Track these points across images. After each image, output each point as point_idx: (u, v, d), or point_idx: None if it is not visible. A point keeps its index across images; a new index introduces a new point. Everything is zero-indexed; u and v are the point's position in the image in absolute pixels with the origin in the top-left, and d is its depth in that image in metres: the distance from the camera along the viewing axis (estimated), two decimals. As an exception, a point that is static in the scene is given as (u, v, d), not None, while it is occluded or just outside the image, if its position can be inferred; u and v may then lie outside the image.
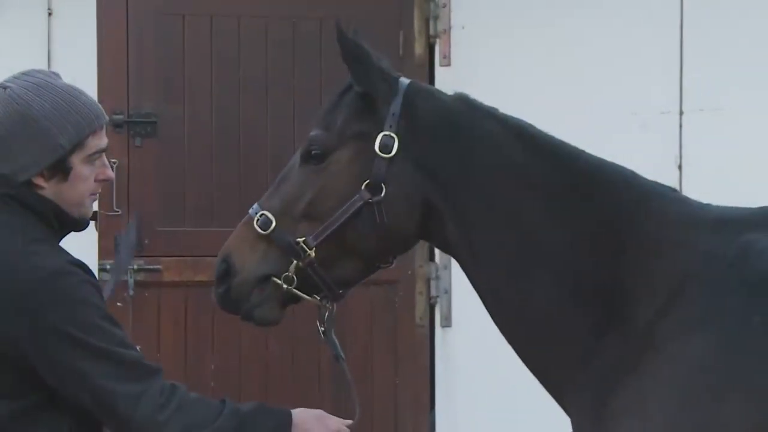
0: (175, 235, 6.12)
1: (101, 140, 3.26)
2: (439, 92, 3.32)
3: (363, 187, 3.14)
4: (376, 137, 3.14)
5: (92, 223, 5.89)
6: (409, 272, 6.20)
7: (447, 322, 6.24)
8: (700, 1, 6.00)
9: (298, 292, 3.21)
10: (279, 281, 3.20)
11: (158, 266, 6.09)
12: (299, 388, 5.83)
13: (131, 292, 6.04)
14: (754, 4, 5.90)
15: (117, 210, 6.02)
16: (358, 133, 3.19)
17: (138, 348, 5.68)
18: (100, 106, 3.32)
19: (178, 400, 3.18)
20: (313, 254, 3.15)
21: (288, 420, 3.30)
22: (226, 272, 3.29)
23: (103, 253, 6.05)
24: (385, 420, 6.29)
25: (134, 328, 5.97)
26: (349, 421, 3.40)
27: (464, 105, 3.23)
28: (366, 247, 3.19)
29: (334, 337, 3.33)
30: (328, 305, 3.28)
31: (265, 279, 3.23)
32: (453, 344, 6.20)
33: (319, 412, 3.41)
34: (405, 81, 3.24)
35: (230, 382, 6.05)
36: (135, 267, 6.04)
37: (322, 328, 3.31)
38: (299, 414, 3.34)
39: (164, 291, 6.13)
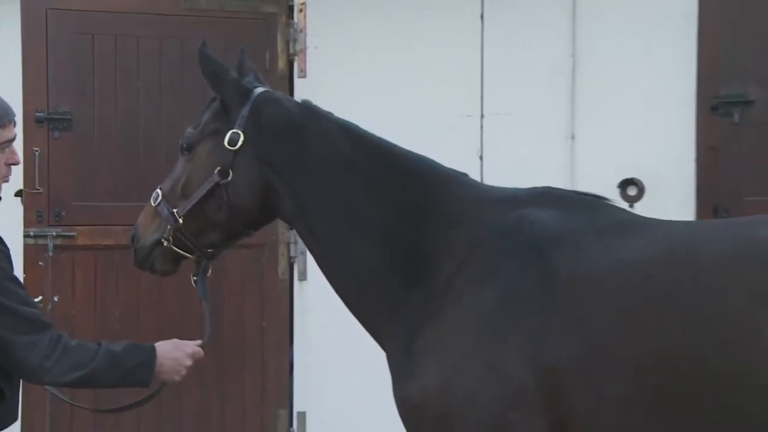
0: (86, 209, 6.09)
1: (10, 133, 3.37)
2: (287, 100, 3.37)
3: (215, 172, 3.20)
4: (226, 134, 3.21)
5: (19, 199, 5.88)
6: (274, 238, 6.26)
7: (303, 277, 6.29)
8: (496, 26, 6.08)
9: (177, 249, 3.32)
10: (164, 242, 3.31)
11: (73, 233, 6.04)
12: (186, 329, 5.85)
13: (50, 254, 6.00)
14: (537, 29, 6.01)
15: (39, 188, 6.03)
16: (214, 130, 3.26)
17: (54, 297, 5.69)
18: (9, 105, 3.41)
19: (61, 348, 3.22)
20: (181, 221, 3.26)
21: (152, 352, 3.35)
22: (133, 237, 3.43)
23: (27, 223, 6.05)
24: (253, 354, 6.35)
25: (53, 283, 6.08)
26: (200, 341, 3.47)
27: (304, 109, 3.29)
28: (219, 218, 3.25)
29: (202, 284, 3.39)
30: (201, 261, 3.37)
31: (159, 242, 3.34)
32: (307, 294, 6.26)
33: (175, 340, 3.46)
34: (259, 90, 3.29)
35: (131, 326, 6.06)
36: (54, 234, 5.98)
37: (194, 278, 3.39)
38: (161, 346, 3.39)
39: (78, 253, 6.08)
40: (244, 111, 3.22)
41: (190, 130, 3.34)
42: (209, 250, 3.35)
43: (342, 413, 6.23)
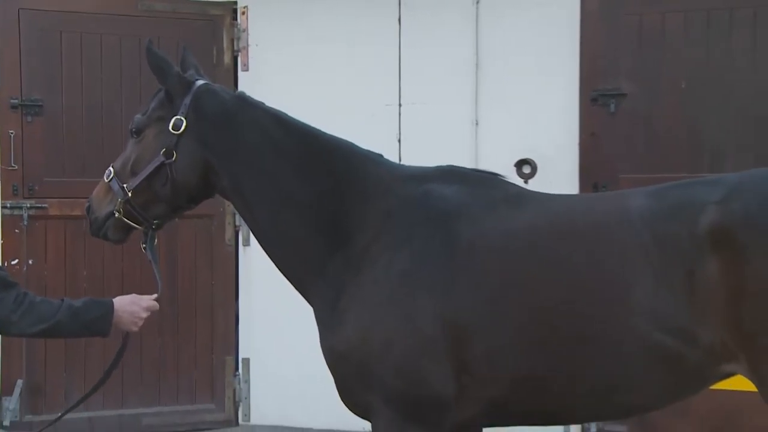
0: (56, 184, 6.05)
1: None
2: (224, 91, 3.31)
3: (161, 153, 3.17)
4: (170, 120, 3.17)
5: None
6: (221, 209, 6.24)
7: (247, 243, 6.28)
8: (412, 28, 6.09)
9: (127, 221, 3.28)
10: (116, 214, 3.27)
11: (45, 205, 6.03)
12: (145, 286, 5.85)
13: (25, 223, 5.96)
14: (447, 31, 6.05)
15: (14, 166, 5.98)
16: (160, 117, 3.22)
17: (29, 261, 5.63)
18: None
19: (27, 304, 3.18)
20: (130, 195, 3.21)
21: (110, 306, 3.31)
22: (88, 209, 3.38)
23: (4, 196, 5.99)
24: (204, 309, 6.38)
25: (28, 248, 6.04)
26: (155, 295, 3.43)
27: (239, 100, 3.27)
28: (164, 193, 3.21)
29: (151, 251, 3.34)
30: (149, 231, 3.33)
31: (111, 214, 3.29)
32: (250, 257, 6.24)
33: (133, 295, 3.43)
34: (199, 82, 3.25)
35: (97, 284, 6.04)
36: (28, 205, 5.96)
37: (143, 245, 3.35)
38: (119, 300, 3.36)
39: (50, 222, 6.06)
40: (186, 100, 3.18)
41: (138, 116, 3.29)
42: (155, 221, 3.31)
43: (280, 359, 6.25)
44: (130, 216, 3.27)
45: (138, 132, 3.27)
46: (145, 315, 3.40)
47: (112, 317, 3.31)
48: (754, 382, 2.66)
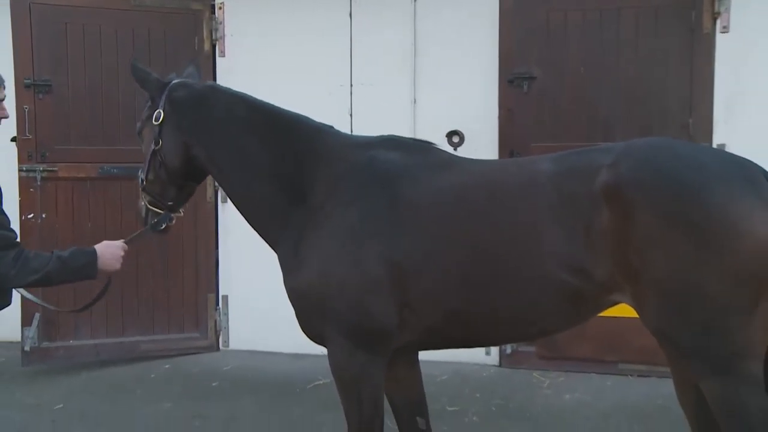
0: (64, 150, 5.98)
1: (1, 94, 3.17)
2: (196, 83, 3.28)
3: (152, 143, 3.17)
4: (153, 115, 3.19)
5: (14, 143, 5.70)
6: (203, 173, 6.19)
7: (224, 200, 6.23)
8: (361, 22, 6.01)
9: (153, 208, 3.25)
10: (146, 205, 3.30)
11: (55, 168, 5.94)
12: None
13: (39, 183, 5.89)
14: (390, 24, 5.96)
15: (29, 135, 5.89)
16: (148, 116, 3.24)
17: (43, 215, 5.50)
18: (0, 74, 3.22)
19: (23, 259, 3.02)
20: (145, 184, 3.24)
21: (94, 253, 3.15)
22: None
23: (21, 161, 5.89)
24: (189, 256, 6.34)
25: (41, 204, 5.94)
26: (122, 240, 3.29)
27: (208, 87, 3.25)
28: (162, 176, 3.19)
29: (152, 230, 3.30)
30: (166, 212, 3.27)
31: (145, 207, 3.31)
32: (227, 212, 6.19)
33: (111, 242, 3.26)
34: (174, 81, 3.23)
35: (99, 234, 5.88)
36: (41, 169, 5.86)
37: (155, 221, 3.27)
38: (99, 247, 3.18)
39: (59, 183, 5.99)
40: (163, 96, 3.18)
41: (138, 124, 3.31)
42: (170, 203, 3.26)
43: (253, 296, 6.26)
44: (153, 203, 3.26)
45: (139, 133, 3.30)
46: (122, 253, 3.24)
47: (96, 262, 3.15)
48: (635, 309, 2.70)
